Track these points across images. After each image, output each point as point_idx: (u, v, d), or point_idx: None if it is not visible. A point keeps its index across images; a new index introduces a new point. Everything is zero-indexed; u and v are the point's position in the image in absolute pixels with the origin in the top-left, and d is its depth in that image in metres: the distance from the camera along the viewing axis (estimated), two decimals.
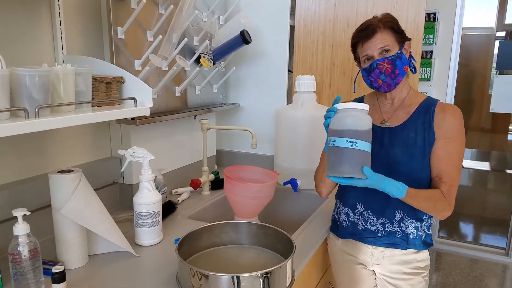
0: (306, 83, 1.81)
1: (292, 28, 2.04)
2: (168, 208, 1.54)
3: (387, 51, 1.21)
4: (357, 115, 1.11)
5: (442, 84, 3.23)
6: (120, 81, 1.20)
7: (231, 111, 2.20)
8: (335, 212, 1.48)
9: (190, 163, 1.90)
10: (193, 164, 1.91)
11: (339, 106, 1.14)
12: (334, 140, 1.11)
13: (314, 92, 1.85)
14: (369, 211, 1.34)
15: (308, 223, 1.52)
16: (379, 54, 1.22)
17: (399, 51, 1.22)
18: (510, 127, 3.88)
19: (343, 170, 1.10)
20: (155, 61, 1.34)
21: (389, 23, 1.22)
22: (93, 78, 1.11)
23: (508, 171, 4.04)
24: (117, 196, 1.58)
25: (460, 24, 3.13)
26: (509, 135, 3.88)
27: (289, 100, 2.10)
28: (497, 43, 3.75)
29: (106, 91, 1.16)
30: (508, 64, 3.10)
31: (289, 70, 2.10)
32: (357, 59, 1.32)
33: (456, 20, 3.12)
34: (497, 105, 3.17)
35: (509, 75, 3.11)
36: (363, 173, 1.10)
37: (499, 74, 3.13)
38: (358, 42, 1.26)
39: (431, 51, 3.21)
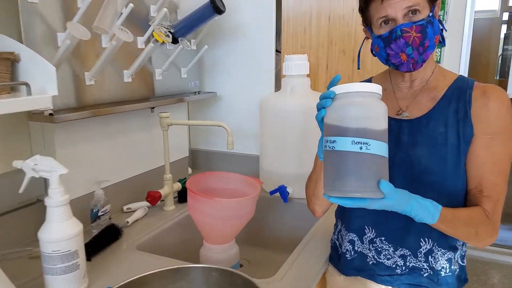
0: (297, 65, 1.42)
1: None
2: (110, 235, 1.15)
3: (415, 12, 0.83)
4: (366, 101, 0.74)
5: (453, 68, 2.83)
6: (11, 58, 0.80)
7: (207, 102, 1.80)
8: (336, 236, 1.10)
9: (150, 169, 1.50)
10: (154, 171, 1.51)
11: (339, 89, 0.75)
12: (334, 142, 0.73)
13: (308, 76, 1.46)
14: (383, 238, 0.96)
15: (301, 249, 1.14)
16: (404, 17, 0.84)
17: (430, 14, 0.84)
18: None
19: (348, 187, 0.72)
20: (75, 32, 0.94)
21: None
22: None
23: None
24: (42, 218, 1.18)
25: (473, 2, 2.72)
26: None
27: (277, 86, 1.69)
28: (504, 27, 3.48)
29: None
30: None
31: (276, 50, 1.69)
32: (366, 21, 0.92)
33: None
34: None
35: None
36: (380, 190, 0.72)
37: None
38: None
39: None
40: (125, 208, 1.37)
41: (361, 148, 0.71)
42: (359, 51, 1.05)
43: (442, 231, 0.86)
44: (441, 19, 2.77)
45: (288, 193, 1.44)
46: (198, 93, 1.65)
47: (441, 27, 0.90)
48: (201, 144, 1.87)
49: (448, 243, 0.93)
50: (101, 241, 1.12)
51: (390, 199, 0.74)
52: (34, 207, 1.16)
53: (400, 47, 0.85)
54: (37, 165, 0.83)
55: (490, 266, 2.77)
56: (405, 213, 0.80)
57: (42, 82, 0.80)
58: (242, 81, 1.71)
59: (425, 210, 0.80)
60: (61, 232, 0.84)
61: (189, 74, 1.61)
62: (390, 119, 0.95)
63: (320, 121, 0.81)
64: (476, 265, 2.76)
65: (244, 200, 1.13)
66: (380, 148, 0.73)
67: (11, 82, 0.80)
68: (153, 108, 1.39)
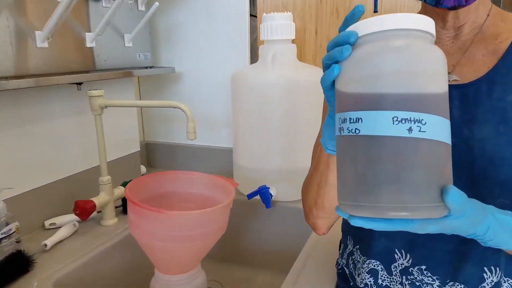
0: (278, 26, 1.07)
1: None
2: (15, 268, 0.78)
3: None
4: (413, 45, 0.41)
5: None
6: None
7: (163, 81, 1.42)
8: (344, 261, 0.77)
9: (84, 169, 1.11)
10: (87, 173, 1.12)
11: (362, 27, 0.43)
12: (358, 120, 0.41)
13: (293, 42, 1.11)
14: (424, 267, 0.63)
15: (296, 276, 0.80)
16: None
17: None
18: None
19: (387, 202, 0.40)
20: None
21: None
22: None
23: None
24: None
25: None
26: None
27: (253, 59, 1.34)
28: None
29: None
30: None
31: (251, 15, 1.34)
32: None
33: None
34: None
35: None
36: (442, 205, 0.41)
37: None
38: None
39: None
40: (47, 223, 0.99)
41: (410, 129, 0.39)
42: None
43: None
44: None
45: (271, 196, 1.09)
46: (150, 68, 1.27)
47: None
48: (159, 136, 1.49)
49: None
50: (1, 275, 0.76)
51: (460, 218, 0.43)
52: None
53: None
54: None
55: None
56: (473, 237, 0.48)
57: None
58: (208, 54, 1.34)
59: (506, 231, 0.48)
60: None
61: (137, 43, 1.22)
62: None
63: (329, 87, 0.47)
64: None
65: (212, 212, 0.78)
66: (442, 129, 0.41)
67: None
68: (80, 84, 1.00)
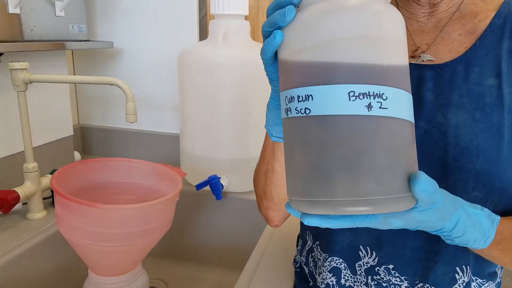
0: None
1: None
2: None
3: None
4: (366, 4, 0.34)
5: None
6: None
7: (100, 57, 1.28)
8: (302, 257, 0.71)
9: (7, 155, 0.96)
10: (11, 159, 0.98)
11: None
12: (309, 98, 0.34)
13: (246, 18, 1.02)
14: (391, 266, 0.58)
15: (250, 275, 0.73)
16: None
17: None
18: None
19: (346, 195, 0.33)
20: None
21: None
22: None
23: None
24: None
25: None
26: None
27: (202, 36, 1.23)
28: None
29: None
30: None
31: None
32: None
33: None
34: None
35: None
36: (410, 196, 0.35)
37: None
38: None
39: None
40: None
41: (370, 106, 0.33)
42: None
43: (490, 259, 0.52)
44: None
45: (223, 186, 1.01)
46: (86, 42, 1.13)
47: None
48: (96, 119, 1.35)
49: (485, 269, 0.58)
50: None
51: (428, 210, 0.38)
52: None
53: None
54: None
55: None
56: (439, 233, 0.43)
57: None
58: (151, 29, 1.21)
59: (476, 226, 0.44)
60: None
61: (70, 13, 1.07)
62: None
63: (271, 60, 0.41)
64: None
65: (156, 205, 0.69)
66: (405, 105, 0.35)
67: None
68: (0, 55, 0.85)
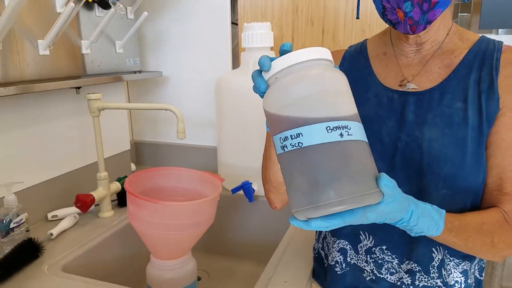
0: (258, 35, 1.18)
1: None
2: (26, 253, 0.87)
3: None
4: (326, 72, 0.51)
5: None
6: None
7: (151, 84, 1.52)
8: (320, 245, 0.88)
9: (80, 166, 1.20)
10: (85, 169, 1.21)
11: (274, 66, 0.53)
12: (299, 135, 0.49)
13: (272, 49, 1.22)
14: (384, 247, 0.75)
15: (275, 263, 0.90)
16: None
17: None
18: None
19: (337, 196, 0.48)
20: None
21: None
22: None
23: None
24: None
25: None
26: None
27: (235, 64, 1.44)
28: None
29: None
30: (493, 21, 2.57)
31: (233, 23, 1.44)
32: None
33: None
34: None
35: (492, 35, 2.60)
36: (377, 191, 0.50)
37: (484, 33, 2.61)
38: None
39: None
40: (50, 215, 1.08)
41: (341, 134, 0.48)
42: None
43: (448, 244, 0.65)
44: None
45: (254, 191, 1.20)
46: (139, 73, 1.37)
47: None
48: (147, 135, 1.58)
49: (460, 251, 0.71)
50: (15, 260, 0.85)
51: (392, 202, 0.51)
52: None
53: (396, 2, 0.64)
54: None
55: None
56: (400, 224, 0.56)
57: None
58: (192, 59, 1.44)
59: (428, 216, 0.58)
60: None
61: (127, 49, 1.31)
62: (392, 91, 0.73)
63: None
64: None
65: (202, 203, 0.88)
66: (361, 131, 0.51)
67: None
68: (78, 88, 1.09)
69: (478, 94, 0.67)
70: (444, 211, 0.60)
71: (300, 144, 0.48)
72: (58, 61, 1.06)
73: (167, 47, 1.46)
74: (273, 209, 0.84)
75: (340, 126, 0.48)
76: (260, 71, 0.55)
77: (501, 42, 0.71)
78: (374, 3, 0.69)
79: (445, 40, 0.72)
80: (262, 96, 0.57)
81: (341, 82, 0.52)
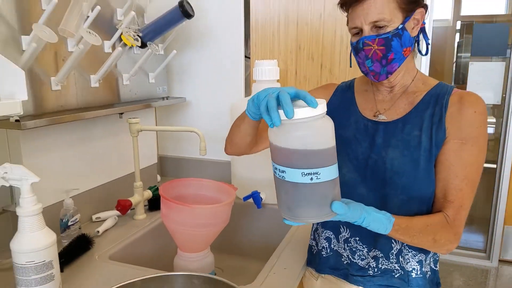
0: (267, 70, 1.42)
1: (247, 3, 1.63)
2: (81, 245, 1.10)
3: (381, 27, 0.84)
4: (312, 127, 0.69)
5: None
6: None
7: (176, 108, 1.77)
8: (312, 237, 1.10)
9: (119, 177, 1.45)
10: (123, 179, 1.46)
11: (282, 115, 0.69)
12: (284, 172, 0.70)
13: (278, 81, 1.46)
14: (357, 238, 0.97)
15: (277, 255, 1.13)
16: (371, 29, 0.85)
17: (400, 25, 0.84)
18: None
19: (307, 216, 0.73)
20: (42, 34, 0.90)
21: None
22: None
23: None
24: (9, 230, 1.11)
25: (432, 11, 2.85)
26: None
27: (248, 92, 1.69)
28: (457, 36, 3.65)
29: None
30: (483, 49, 2.81)
31: (246, 56, 1.69)
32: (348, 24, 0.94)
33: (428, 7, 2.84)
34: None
35: (485, 62, 2.83)
36: (333, 212, 0.73)
37: (474, 61, 2.84)
38: (345, 4, 0.89)
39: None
40: (94, 217, 1.32)
41: (311, 179, 0.69)
42: (351, 51, 1.07)
43: (398, 240, 0.87)
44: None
45: (262, 199, 1.43)
46: (167, 99, 1.62)
47: (423, 35, 0.91)
48: (170, 151, 1.83)
49: None
50: (72, 251, 1.07)
51: (343, 215, 0.75)
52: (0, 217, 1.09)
53: (362, 59, 0.88)
54: (7, 174, 0.78)
55: (454, 268, 2.86)
56: (357, 224, 0.79)
57: (10, 87, 0.76)
58: (211, 86, 1.70)
59: (377, 221, 0.79)
60: (34, 242, 0.79)
61: (157, 79, 1.57)
62: (367, 120, 0.96)
63: (270, 100, 0.71)
64: (440, 268, 2.84)
65: (220, 207, 1.11)
66: (331, 172, 0.71)
67: None
68: (121, 113, 1.35)
69: (430, 125, 0.89)
70: (394, 218, 0.81)
71: (284, 178, 0.71)
72: (104, 91, 1.31)
73: (190, 76, 1.72)
74: (225, 152, 1.10)
75: (312, 173, 0.69)
76: (277, 104, 0.69)
77: (453, 87, 0.92)
78: (355, 58, 0.93)
79: (411, 84, 0.95)
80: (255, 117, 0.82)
81: (329, 136, 0.71)
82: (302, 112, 0.66)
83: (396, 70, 0.89)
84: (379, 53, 0.85)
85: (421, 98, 0.92)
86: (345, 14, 0.91)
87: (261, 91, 0.76)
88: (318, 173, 0.69)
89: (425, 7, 0.88)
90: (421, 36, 0.93)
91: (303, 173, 0.68)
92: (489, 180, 2.74)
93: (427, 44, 0.94)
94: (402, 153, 0.90)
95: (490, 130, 2.92)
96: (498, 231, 2.64)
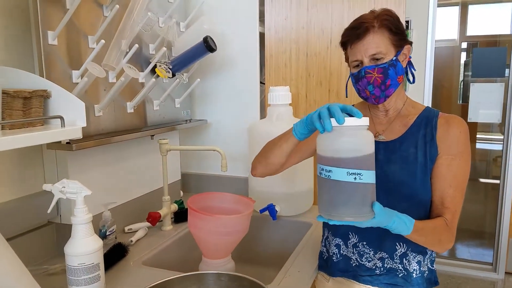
0: (280, 95, 1.58)
1: (262, 36, 1.82)
2: (117, 253, 1.25)
3: (378, 59, 1.02)
4: (358, 134, 0.85)
5: (418, 94, 3.09)
6: (44, 95, 0.93)
7: (198, 129, 1.94)
8: (323, 244, 1.24)
9: (148, 192, 1.61)
10: (152, 193, 1.62)
11: (335, 122, 0.86)
12: (330, 171, 0.83)
13: (290, 104, 1.62)
14: (365, 242, 1.11)
15: (292, 261, 1.27)
16: (370, 60, 1.02)
17: (394, 58, 1.02)
18: (477, 136, 3.80)
19: (344, 214, 0.84)
20: (93, 70, 1.08)
21: (386, 22, 1.02)
22: (3, 93, 0.83)
23: (481, 179, 3.93)
24: (54, 240, 1.28)
25: (433, 32, 3.01)
26: (477, 144, 3.80)
27: (263, 114, 1.86)
28: (463, 54, 3.80)
29: (24, 108, 0.88)
30: (483, 71, 2.95)
31: (261, 82, 1.87)
32: (347, 59, 1.10)
33: (429, 29, 3.00)
34: (475, 115, 3.02)
35: (485, 83, 2.97)
36: (371, 213, 0.87)
37: (474, 82, 2.98)
38: (347, 42, 1.06)
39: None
40: (126, 229, 1.47)
41: (355, 178, 0.82)
42: (347, 81, 1.22)
43: (413, 240, 1.01)
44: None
45: (277, 211, 1.57)
46: (190, 121, 1.79)
47: (411, 68, 1.10)
48: (192, 168, 2.00)
49: (418, 247, 1.08)
50: (111, 258, 1.22)
51: (379, 217, 0.88)
52: (45, 228, 1.25)
53: (364, 85, 1.04)
54: (64, 188, 0.95)
55: (462, 280, 2.94)
56: (388, 228, 0.94)
57: (72, 115, 0.93)
58: (230, 110, 1.87)
59: (403, 224, 0.94)
60: (85, 246, 0.95)
61: (182, 104, 1.75)
62: None
63: (323, 112, 0.89)
64: (449, 281, 2.94)
65: (240, 217, 1.25)
66: (371, 176, 0.85)
67: (48, 116, 0.92)
68: (153, 135, 1.52)
69: (424, 144, 1.05)
70: (414, 220, 0.95)
71: (329, 176, 0.85)
72: (138, 115, 1.49)
73: (211, 101, 1.90)
74: (252, 174, 1.21)
75: (356, 173, 0.83)
76: (329, 114, 0.87)
77: (438, 111, 1.09)
78: (354, 87, 1.09)
79: (402, 108, 1.12)
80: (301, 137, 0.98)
81: (370, 144, 0.86)
82: (350, 120, 0.83)
83: (393, 94, 1.05)
84: (378, 80, 1.01)
85: (413, 121, 1.09)
86: (344, 52, 1.09)
87: (311, 113, 0.95)
88: (361, 174, 0.82)
89: (411, 43, 1.07)
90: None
91: (348, 173, 0.82)
92: (495, 195, 2.84)
93: (413, 74, 1.11)
94: (401, 167, 1.06)
95: (499, 147, 3.03)
96: (504, 244, 2.73)
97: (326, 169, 0.84)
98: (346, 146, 0.83)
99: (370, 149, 0.86)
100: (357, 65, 1.05)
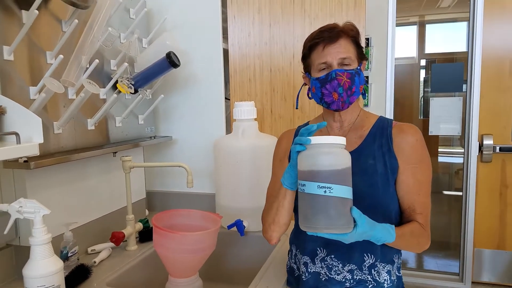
0: (245, 110, 1.59)
1: (226, 52, 1.83)
2: (80, 275, 1.20)
3: (347, 64, 1.05)
4: (333, 151, 0.89)
5: (380, 109, 3.18)
6: None
7: (162, 146, 1.91)
8: (292, 261, 1.23)
9: (112, 211, 1.56)
10: (115, 213, 1.58)
11: (313, 139, 0.90)
12: (304, 185, 0.89)
13: (255, 119, 1.63)
14: (333, 256, 1.11)
15: (260, 277, 1.25)
16: (339, 65, 1.05)
17: (358, 67, 1.06)
18: (439, 149, 3.94)
19: (319, 225, 0.87)
20: (51, 86, 1.04)
21: (352, 33, 1.06)
22: None
23: (445, 192, 4.07)
24: (13, 263, 1.21)
25: (393, 50, 3.12)
26: (439, 157, 3.92)
27: (228, 130, 1.85)
28: (422, 72, 3.97)
29: None
30: (441, 86, 3.08)
31: (226, 98, 1.87)
32: (307, 68, 1.12)
33: (389, 47, 3.11)
34: (435, 128, 3.12)
35: (444, 98, 3.09)
36: (347, 226, 0.88)
37: (434, 97, 3.10)
38: (318, 44, 1.07)
39: (367, 77, 3.16)
40: (89, 249, 1.42)
41: (325, 191, 0.86)
42: (298, 94, 1.24)
43: (395, 246, 1.02)
44: (366, 67, 3.14)
45: (244, 227, 1.56)
46: (154, 138, 1.76)
47: (365, 82, 1.13)
48: (157, 186, 1.96)
49: (386, 257, 1.09)
50: (73, 280, 1.17)
51: (362, 228, 0.89)
52: (3, 251, 1.19)
53: (333, 87, 1.05)
54: (21, 207, 0.90)
55: None
56: (371, 239, 0.94)
57: (29, 132, 0.90)
58: (195, 126, 1.86)
59: (386, 231, 0.96)
60: (45, 268, 0.91)
61: (146, 120, 1.72)
62: None
63: (294, 153, 0.94)
64: None
65: (207, 233, 1.23)
66: (343, 191, 0.88)
67: (3, 133, 0.88)
68: (115, 152, 1.48)
69: (382, 154, 1.07)
70: (393, 226, 0.97)
71: (303, 189, 0.88)
72: (99, 132, 1.45)
73: (175, 117, 1.88)
74: (271, 244, 1.17)
75: (326, 186, 0.86)
76: (309, 135, 0.92)
77: (392, 120, 1.12)
78: (313, 95, 1.10)
79: (356, 120, 1.14)
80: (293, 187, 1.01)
81: (345, 161, 0.89)
82: (322, 139, 0.89)
83: (353, 103, 1.08)
84: (347, 83, 1.03)
85: (368, 132, 1.11)
86: (303, 61, 1.12)
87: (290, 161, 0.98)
88: (331, 188, 0.86)
89: (367, 59, 1.12)
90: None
91: (318, 186, 0.86)
92: (459, 207, 2.93)
93: (364, 89, 1.14)
94: (362, 178, 1.06)
95: (460, 160, 3.13)
96: (469, 254, 2.80)
97: (301, 183, 0.89)
98: (318, 162, 0.87)
99: (342, 164, 0.89)
100: (324, 69, 1.06)
